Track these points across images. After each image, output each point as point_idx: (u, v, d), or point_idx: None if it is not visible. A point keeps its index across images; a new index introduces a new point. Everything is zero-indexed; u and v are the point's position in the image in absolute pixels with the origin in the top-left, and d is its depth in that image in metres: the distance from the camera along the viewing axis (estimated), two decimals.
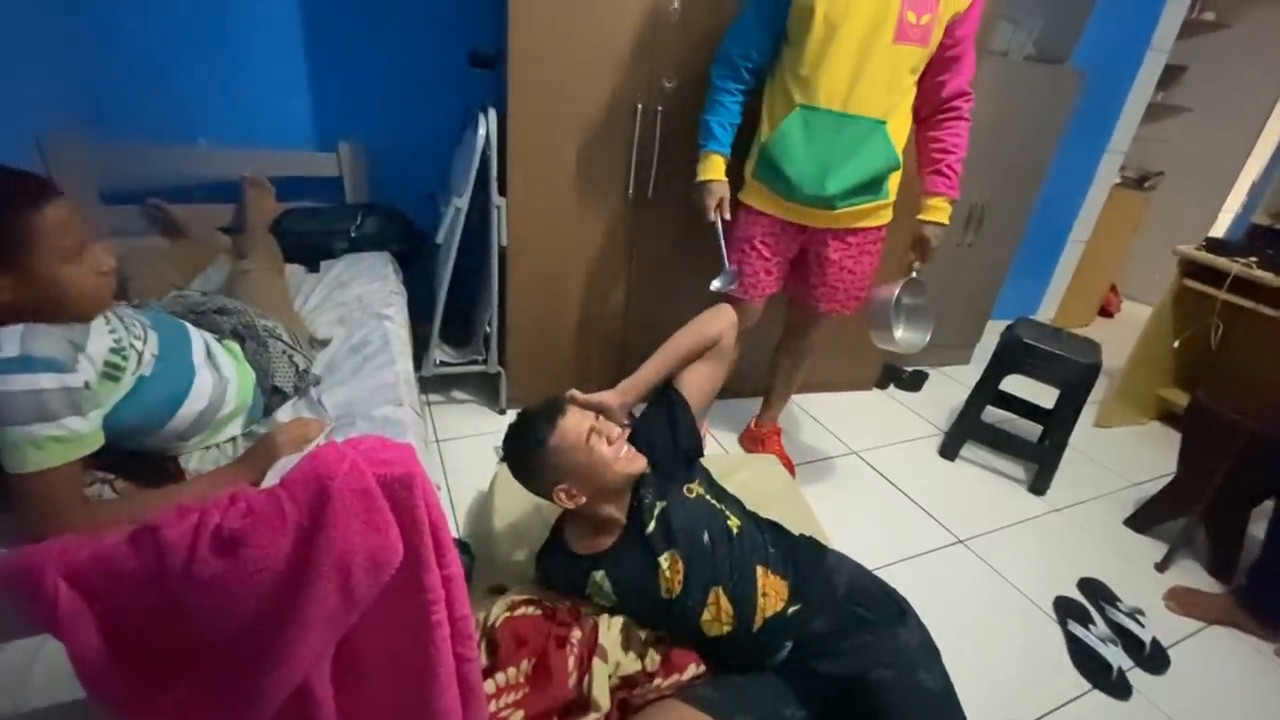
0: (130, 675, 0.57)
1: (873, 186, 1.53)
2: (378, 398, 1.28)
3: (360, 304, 1.62)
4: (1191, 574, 1.85)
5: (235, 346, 1.24)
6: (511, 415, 2.07)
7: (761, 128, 1.56)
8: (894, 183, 1.58)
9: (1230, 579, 1.80)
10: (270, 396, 1.24)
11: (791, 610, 1.06)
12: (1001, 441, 2.20)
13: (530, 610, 1.06)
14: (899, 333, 1.59)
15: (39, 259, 0.85)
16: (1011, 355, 2.07)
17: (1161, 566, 1.84)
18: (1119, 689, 1.42)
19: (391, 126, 2.15)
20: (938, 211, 1.58)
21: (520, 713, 0.92)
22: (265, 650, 0.59)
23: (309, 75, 2.05)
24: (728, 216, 1.61)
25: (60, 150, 1.75)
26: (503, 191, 1.79)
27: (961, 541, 1.84)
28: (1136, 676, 1.47)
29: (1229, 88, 3.77)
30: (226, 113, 2.02)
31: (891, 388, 2.68)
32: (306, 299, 1.73)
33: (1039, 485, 2.11)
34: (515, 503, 1.46)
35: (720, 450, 2.09)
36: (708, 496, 1.16)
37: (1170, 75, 3.82)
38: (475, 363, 2.05)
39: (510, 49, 1.63)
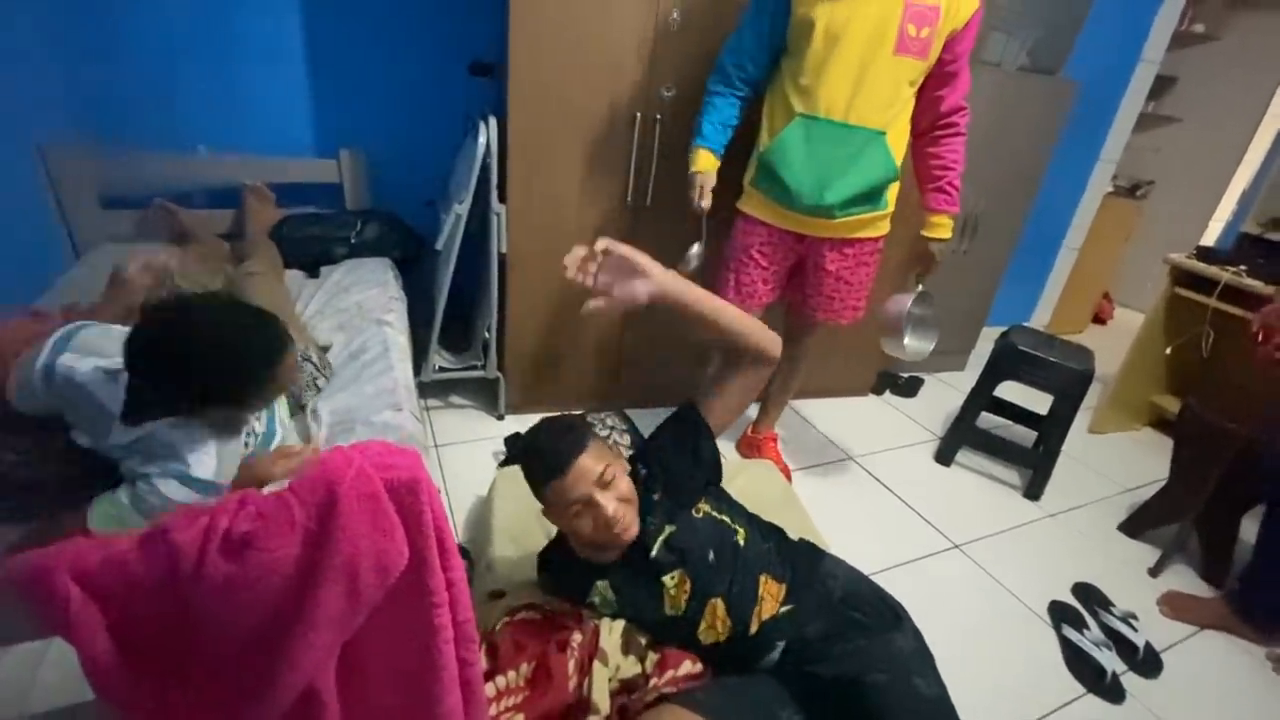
0: (140, 677, 0.58)
1: (872, 197, 1.55)
2: (377, 403, 1.29)
3: (360, 310, 1.63)
4: (1185, 579, 1.86)
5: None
6: (510, 421, 2.10)
7: (760, 136, 1.58)
8: (892, 194, 1.60)
9: (1223, 584, 1.82)
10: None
11: (784, 611, 1.07)
12: (996, 447, 2.22)
13: (530, 615, 1.07)
14: (908, 341, 1.66)
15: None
16: (1006, 362, 2.09)
17: (1155, 571, 1.85)
18: (1113, 693, 1.43)
19: (392, 134, 2.17)
20: (941, 228, 1.62)
21: (520, 716, 0.93)
22: (273, 652, 0.60)
23: (310, 83, 2.07)
24: (706, 205, 1.60)
25: (62, 157, 1.77)
26: (502, 199, 1.80)
27: (957, 546, 1.85)
28: (1130, 681, 1.49)
29: (1219, 98, 3.82)
30: (228, 120, 2.03)
31: (887, 393, 2.70)
32: (307, 305, 1.74)
33: (1034, 490, 2.12)
34: (514, 509, 1.47)
35: None
36: (714, 512, 1.14)
37: (1161, 85, 3.87)
38: (474, 368, 2.06)
39: (510, 58, 1.65)
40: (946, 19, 1.42)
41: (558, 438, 1.02)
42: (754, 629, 1.05)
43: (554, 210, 1.86)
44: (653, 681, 0.99)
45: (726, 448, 2.17)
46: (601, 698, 0.96)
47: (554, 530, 1.25)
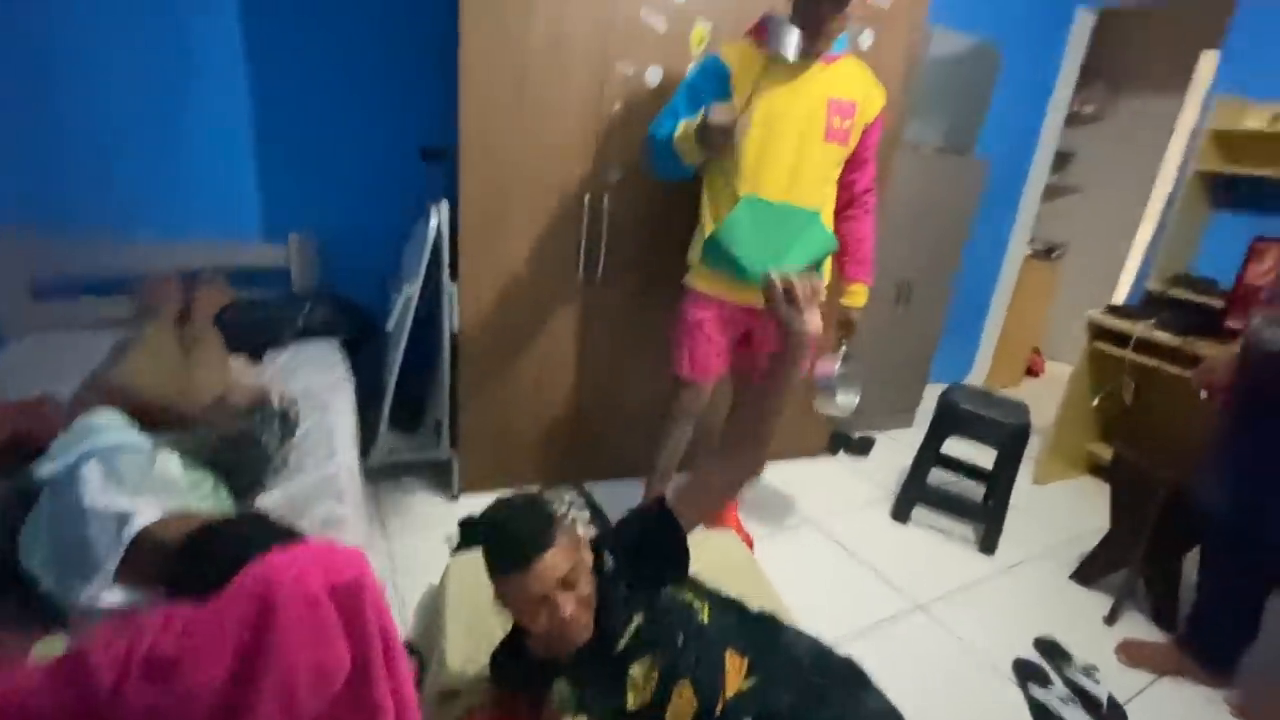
0: None
1: (815, 269, 1.65)
2: (319, 492, 1.24)
3: (305, 395, 1.58)
4: (1139, 624, 1.90)
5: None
6: (464, 501, 2.04)
7: (704, 218, 1.66)
8: (827, 265, 1.71)
9: (1174, 626, 1.86)
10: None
11: (748, 685, 1.04)
12: (949, 503, 2.27)
13: (487, 716, 1.01)
14: (839, 398, 1.77)
15: None
16: (949, 420, 2.17)
17: (1110, 619, 1.89)
18: None
19: (344, 216, 2.18)
20: (858, 296, 1.78)
21: None
22: None
23: (260, 168, 2.09)
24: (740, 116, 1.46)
25: None
26: (454, 277, 1.83)
27: (920, 607, 1.85)
28: None
29: (1112, 170, 4.24)
30: (174, 205, 2.01)
31: (842, 453, 2.74)
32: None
33: (988, 544, 2.16)
34: (469, 599, 1.40)
35: None
36: (679, 594, 1.11)
37: (1062, 160, 4.28)
38: (426, 449, 2.01)
39: (461, 141, 1.71)
40: (862, 113, 1.59)
41: (525, 526, 0.97)
42: (720, 708, 1.02)
43: (506, 288, 1.89)
44: None
45: None
46: None
47: (511, 622, 1.20)
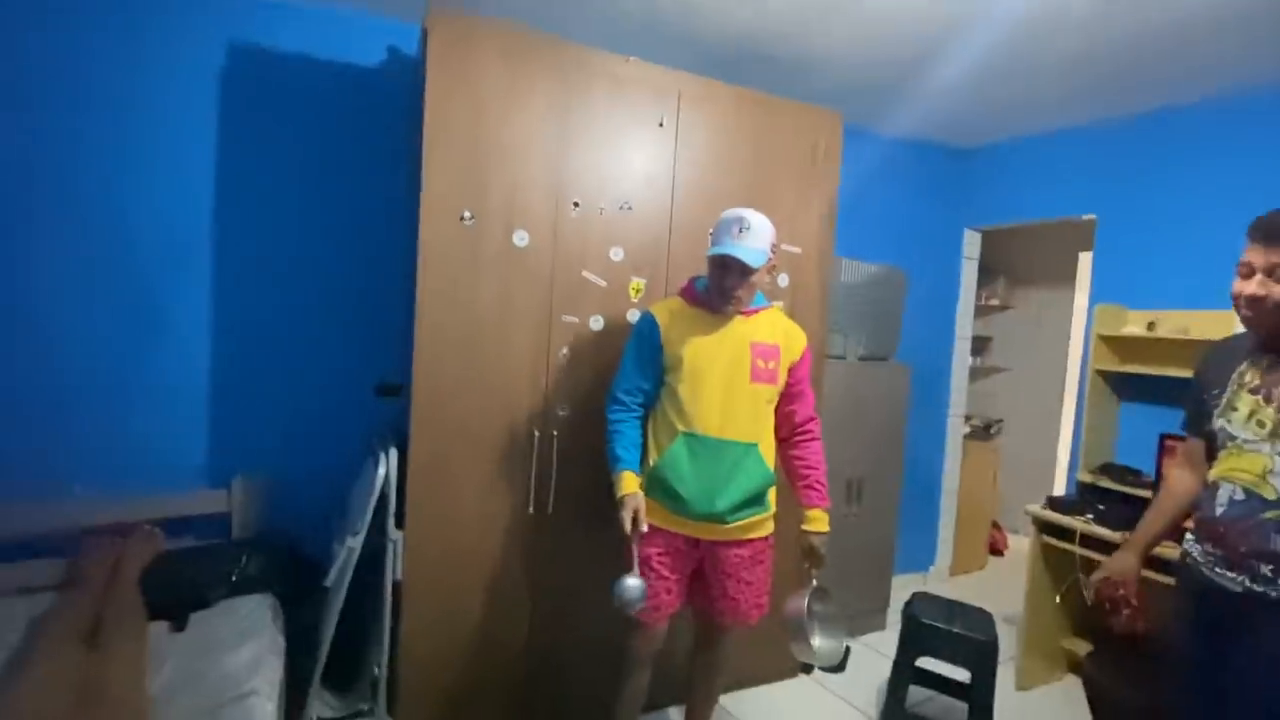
0: None
1: (756, 500, 1.70)
2: None
3: (223, 681, 1.45)
4: None
5: None
6: None
7: (650, 450, 1.73)
8: (772, 495, 1.75)
9: None
10: None
11: None
12: None
13: None
14: (816, 641, 1.70)
15: None
16: (915, 639, 2.11)
17: None
18: None
19: (294, 456, 2.18)
20: (818, 522, 1.76)
21: None
22: None
23: (212, 415, 2.11)
24: (644, 528, 1.62)
25: None
26: (400, 525, 1.80)
27: None
28: None
29: (1027, 353, 4.65)
30: (117, 456, 1.99)
31: (816, 671, 2.59)
32: (163, 670, 1.53)
33: None
34: None
35: None
36: None
37: (981, 344, 4.69)
38: (360, 713, 1.83)
39: (414, 386, 1.78)
40: (786, 353, 1.74)
41: None
42: None
43: (455, 528, 1.87)
44: None
45: None
46: None
47: None
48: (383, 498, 1.77)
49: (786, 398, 1.78)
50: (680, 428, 1.66)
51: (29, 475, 1.88)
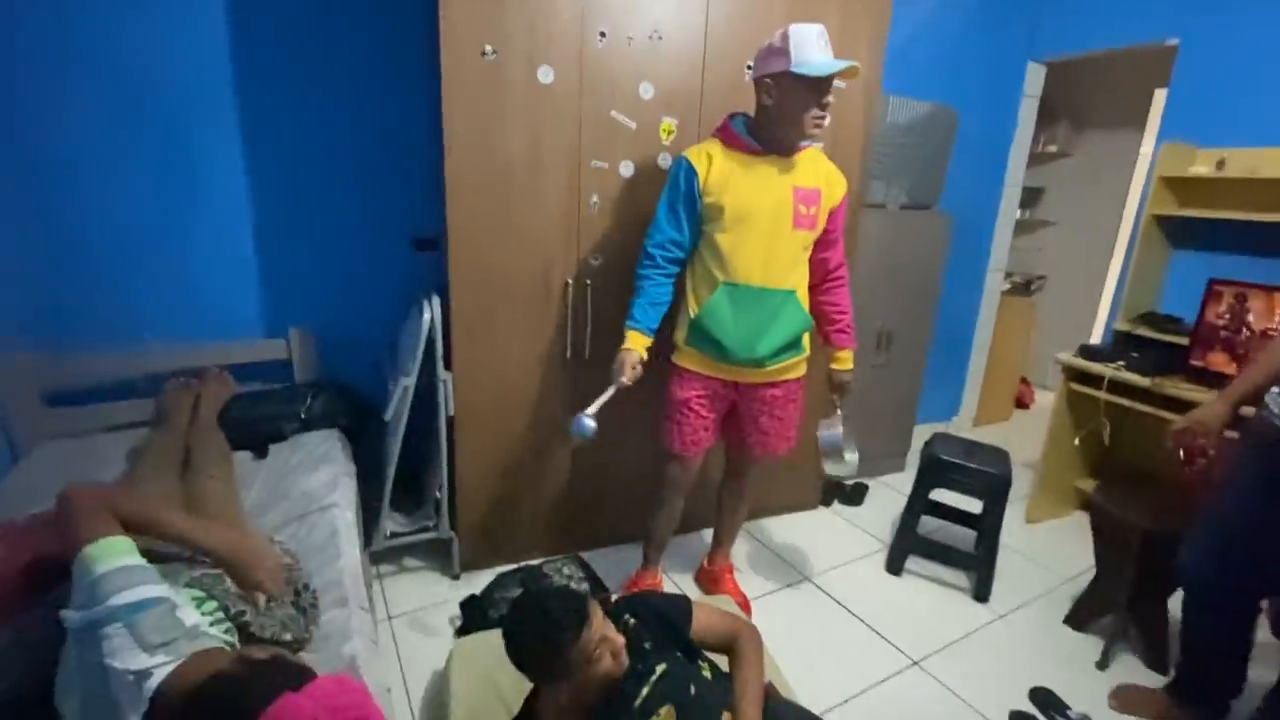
0: None
1: (794, 344, 1.76)
2: (323, 600, 1.30)
3: (306, 497, 1.66)
4: (1131, 668, 1.94)
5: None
6: (465, 580, 2.09)
7: (687, 303, 1.75)
8: (807, 339, 1.81)
9: (1164, 669, 1.90)
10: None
11: None
12: (941, 552, 2.32)
13: None
14: (847, 455, 1.91)
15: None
16: (933, 472, 2.24)
17: (1102, 664, 1.92)
18: None
19: (340, 310, 2.29)
20: (846, 361, 1.89)
21: None
22: None
23: (260, 267, 2.20)
24: (627, 381, 1.66)
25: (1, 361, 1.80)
26: (448, 366, 1.92)
27: (916, 663, 1.89)
28: None
29: (1081, 205, 4.39)
30: (180, 309, 2.12)
31: (835, 503, 2.80)
32: (251, 491, 1.75)
33: (981, 591, 2.21)
34: (472, 686, 1.46)
35: (678, 592, 2.13)
36: (686, 655, 1.23)
37: (1032, 195, 4.44)
38: (427, 529, 2.08)
39: (449, 240, 1.82)
40: (826, 199, 1.70)
41: (563, 605, 1.07)
42: None
43: (498, 372, 1.99)
44: None
45: (685, 580, 2.20)
46: None
47: (515, 707, 1.26)
48: (430, 342, 1.88)
49: (821, 244, 1.76)
50: (721, 278, 1.68)
51: (103, 326, 2.02)
